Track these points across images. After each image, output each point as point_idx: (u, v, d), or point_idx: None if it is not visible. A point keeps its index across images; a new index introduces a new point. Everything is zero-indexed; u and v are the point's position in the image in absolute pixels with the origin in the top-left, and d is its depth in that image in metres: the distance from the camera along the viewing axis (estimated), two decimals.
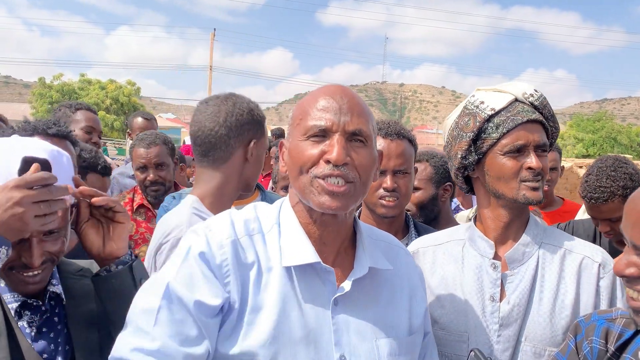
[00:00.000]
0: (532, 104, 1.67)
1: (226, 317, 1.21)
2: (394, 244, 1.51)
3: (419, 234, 2.23)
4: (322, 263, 1.26)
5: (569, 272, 1.65)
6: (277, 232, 1.31)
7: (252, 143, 1.93)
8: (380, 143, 2.09)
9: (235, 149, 1.91)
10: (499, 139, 1.63)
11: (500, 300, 1.65)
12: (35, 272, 1.36)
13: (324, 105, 1.26)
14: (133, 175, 4.22)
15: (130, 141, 4.01)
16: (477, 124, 1.66)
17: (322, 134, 1.24)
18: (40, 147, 1.37)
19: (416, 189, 2.59)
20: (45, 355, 1.38)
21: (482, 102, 1.68)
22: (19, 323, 1.37)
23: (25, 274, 1.36)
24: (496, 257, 1.69)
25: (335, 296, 1.27)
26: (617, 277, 1.48)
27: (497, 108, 1.65)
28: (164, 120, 42.91)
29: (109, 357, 1.18)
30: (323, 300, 1.27)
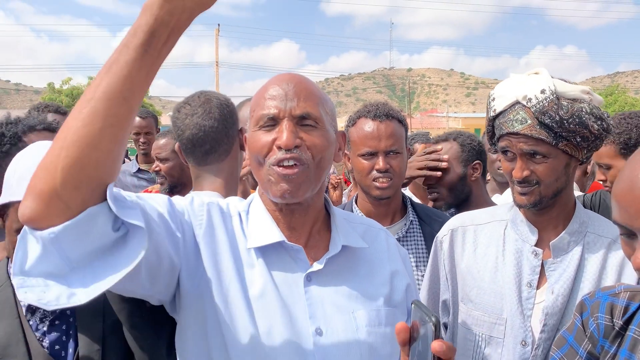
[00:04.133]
0: (530, 109, 1.56)
1: (192, 273, 1.24)
2: (374, 227, 1.52)
3: (417, 214, 2.25)
4: (287, 241, 1.29)
5: (612, 264, 1.61)
6: (246, 218, 1.35)
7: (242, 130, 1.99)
8: (370, 125, 2.12)
9: (234, 139, 1.96)
10: (497, 141, 1.67)
11: (538, 287, 1.64)
12: None
13: (271, 94, 1.29)
14: (135, 173, 4.34)
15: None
16: (488, 121, 1.71)
17: (272, 122, 1.27)
18: None
19: (443, 170, 2.55)
20: (57, 347, 1.45)
21: (494, 99, 1.66)
22: (30, 321, 1.45)
23: None
24: (538, 242, 1.67)
25: (308, 272, 1.29)
26: None
27: (498, 110, 1.63)
28: None
29: None
30: (295, 276, 1.29)
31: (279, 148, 1.24)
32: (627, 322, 1.25)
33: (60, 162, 0.92)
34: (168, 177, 3.37)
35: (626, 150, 2.64)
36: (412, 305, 1.04)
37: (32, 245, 0.96)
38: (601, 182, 2.86)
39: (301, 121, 1.27)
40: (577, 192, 3.37)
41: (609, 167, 2.72)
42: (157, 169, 3.40)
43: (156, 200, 1.22)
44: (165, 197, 1.26)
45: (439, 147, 2.62)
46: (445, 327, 1.90)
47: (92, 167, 0.93)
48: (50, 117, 3.59)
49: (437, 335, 0.94)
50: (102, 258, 0.99)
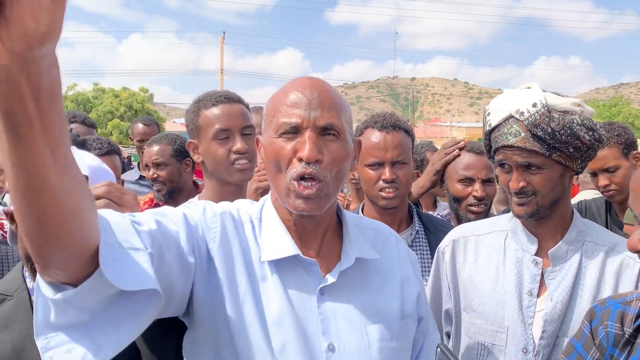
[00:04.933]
0: (523, 122, 1.59)
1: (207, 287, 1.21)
2: (384, 231, 1.49)
3: (423, 224, 2.26)
4: (302, 255, 1.26)
5: (610, 271, 1.65)
6: (259, 226, 1.32)
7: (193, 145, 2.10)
8: (377, 136, 2.14)
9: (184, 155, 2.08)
10: (494, 154, 1.71)
11: (538, 295, 1.67)
12: None
13: (293, 101, 1.24)
14: (137, 180, 4.29)
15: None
16: (485, 135, 1.75)
17: (294, 131, 1.23)
18: (84, 163, 1.49)
19: (490, 184, 2.47)
20: None
21: (489, 114, 1.71)
22: None
23: None
24: (538, 252, 1.71)
25: (321, 286, 1.26)
26: None
27: (493, 124, 1.68)
28: (177, 125, 43.23)
29: None
30: (309, 290, 1.26)
31: (300, 160, 1.21)
32: (637, 330, 1.28)
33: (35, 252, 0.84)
34: (168, 182, 3.28)
35: (627, 150, 2.85)
36: (438, 350, 1.03)
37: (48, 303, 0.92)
38: (603, 187, 2.92)
39: (323, 131, 1.24)
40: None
41: (616, 169, 2.83)
42: (154, 176, 3.27)
43: (174, 221, 1.18)
44: (182, 214, 1.22)
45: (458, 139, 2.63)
46: (448, 336, 1.92)
47: (68, 246, 0.83)
48: (76, 128, 3.54)
49: None
50: (119, 300, 0.95)
